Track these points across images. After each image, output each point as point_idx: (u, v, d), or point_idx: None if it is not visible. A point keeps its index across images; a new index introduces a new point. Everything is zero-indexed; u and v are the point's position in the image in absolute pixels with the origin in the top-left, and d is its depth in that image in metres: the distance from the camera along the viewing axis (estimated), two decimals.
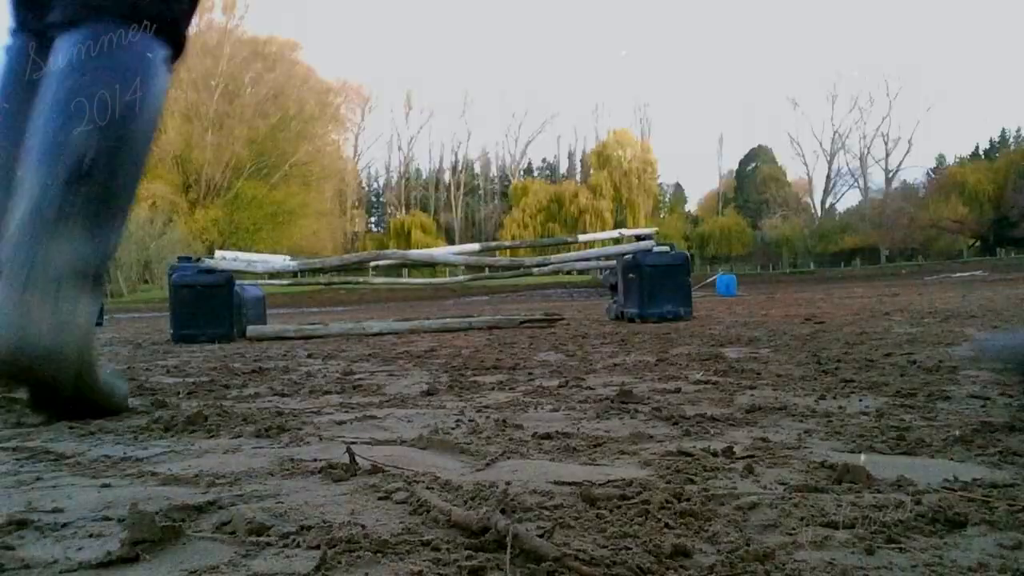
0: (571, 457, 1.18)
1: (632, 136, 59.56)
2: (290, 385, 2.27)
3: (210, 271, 5.13)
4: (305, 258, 6.63)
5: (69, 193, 1.46)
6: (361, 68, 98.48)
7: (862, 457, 1.10)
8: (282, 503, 0.93)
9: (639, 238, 5.92)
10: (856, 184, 58.69)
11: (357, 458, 1.11)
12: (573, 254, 6.45)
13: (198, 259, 5.41)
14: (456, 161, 63.86)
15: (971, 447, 1.16)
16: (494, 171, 66.54)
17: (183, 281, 5.04)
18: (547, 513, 0.86)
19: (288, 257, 6.20)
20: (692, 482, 0.99)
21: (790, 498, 0.90)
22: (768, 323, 4.79)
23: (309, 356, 3.42)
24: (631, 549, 0.73)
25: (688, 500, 0.89)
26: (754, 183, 61.30)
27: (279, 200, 43.01)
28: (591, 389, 1.98)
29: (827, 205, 60.39)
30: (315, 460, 1.18)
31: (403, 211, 61.06)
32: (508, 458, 1.18)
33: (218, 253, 5.55)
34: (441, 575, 0.68)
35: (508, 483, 1.00)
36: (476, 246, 6.61)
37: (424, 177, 64.36)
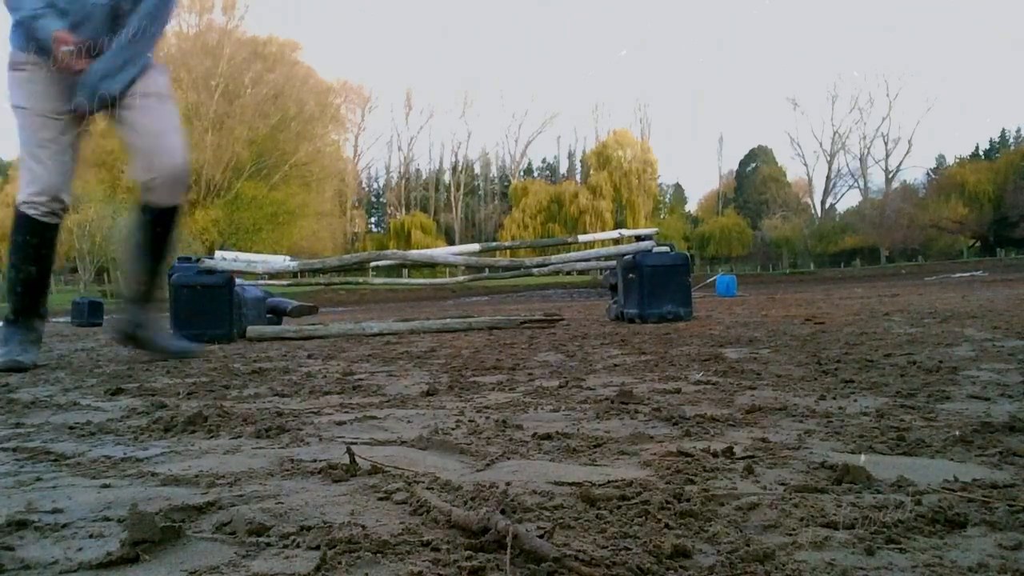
0: (571, 457, 1.18)
1: (632, 136, 59.54)
2: (290, 385, 2.27)
3: (210, 271, 5.13)
4: (305, 258, 6.62)
5: None
6: (361, 68, 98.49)
7: (862, 457, 1.10)
8: (282, 503, 0.93)
9: (639, 238, 5.92)
10: (856, 184, 58.66)
11: (357, 458, 1.11)
12: (573, 254, 6.44)
13: (198, 259, 5.41)
14: (456, 161, 63.85)
15: (971, 447, 1.16)
16: (494, 171, 66.54)
17: (183, 281, 5.04)
18: (547, 513, 0.86)
19: (288, 257, 6.18)
20: (692, 482, 0.99)
21: (790, 498, 0.90)
22: (768, 323, 4.79)
23: (309, 357, 3.42)
24: (631, 549, 0.73)
25: (688, 500, 0.89)
26: (754, 183, 61.28)
27: (279, 200, 43.00)
28: (591, 389, 1.98)
29: (827, 205, 60.37)
30: (315, 460, 1.18)
31: (403, 211, 61.05)
32: (508, 458, 1.18)
33: (218, 253, 5.55)
34: (441, 575, 0.68)
35: (508, 483, 1.00)
36: (476, 246, 6.59)
37: (424, 177, 64.35)
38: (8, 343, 2.92)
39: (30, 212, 2.86)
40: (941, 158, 58.74)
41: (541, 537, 0.73)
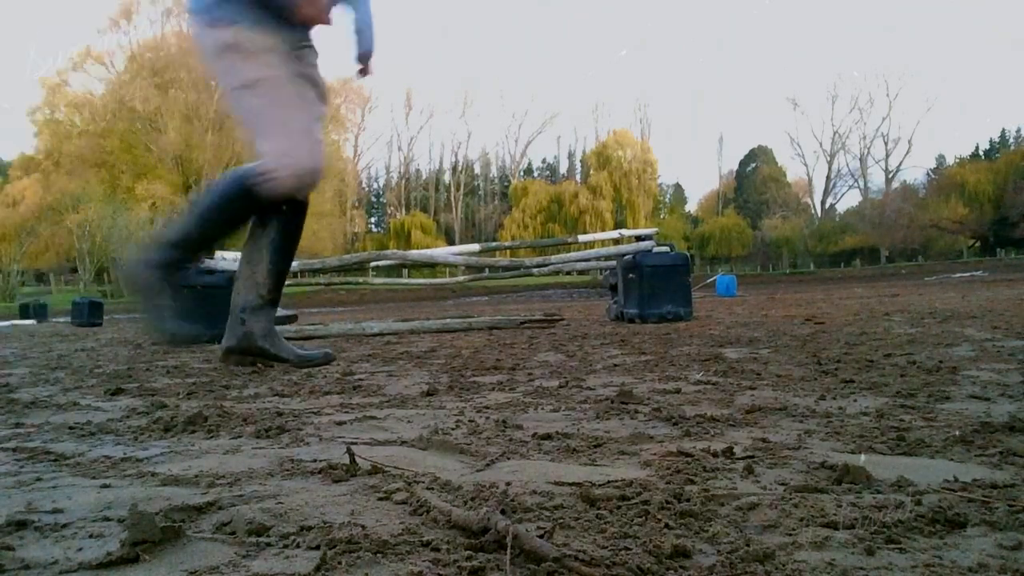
0: (571, 457, 1.18)
1: (632, 136, 59.52)
2: (290, 385, 2.27)
3: (210, 271, 5.13)
4: (305, 259, 6.62)
5: None
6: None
7: (862, 457, 1.10)
8: (282, 503, 0.93)
9: (639, 238, 5.92)
10: (856, 184, 58.67)
11: (357, 458, 1.11)
12: (573, 254, 6.45)
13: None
14: (456, 161, 63.84)
15: (971, 447, 1.16)
16: (494, 171, 66.54)
17: (183, 282, 5.04)
18: (547, 513, 0.86)
19: None
20: (692, 482, 0.99)
21: (790, 498, 0.90)
22: (768, 324, 4.79)
23: None
24: (631, 549, 0.73)
25: (688, 500, 0.89)
26: (754, 183, 61.27)
27: None
28: (591, 389, 1.98)
29: (827, 205, 60.37)
30: (315, 460, 1.18)
31: (403, 211, 61.05)
32: (508, 458, 1.18)
33: (218, 253, 5.54)
34: (441, 575, 0.68)
35: (508, 483, 1.00)
36: (476, 246, 6.60)
37: (424, 177, 64.36)
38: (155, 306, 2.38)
39: (276, 188, 2.15)
40: (941, 158, 58.74)
41: (541, 537, 0.73)
